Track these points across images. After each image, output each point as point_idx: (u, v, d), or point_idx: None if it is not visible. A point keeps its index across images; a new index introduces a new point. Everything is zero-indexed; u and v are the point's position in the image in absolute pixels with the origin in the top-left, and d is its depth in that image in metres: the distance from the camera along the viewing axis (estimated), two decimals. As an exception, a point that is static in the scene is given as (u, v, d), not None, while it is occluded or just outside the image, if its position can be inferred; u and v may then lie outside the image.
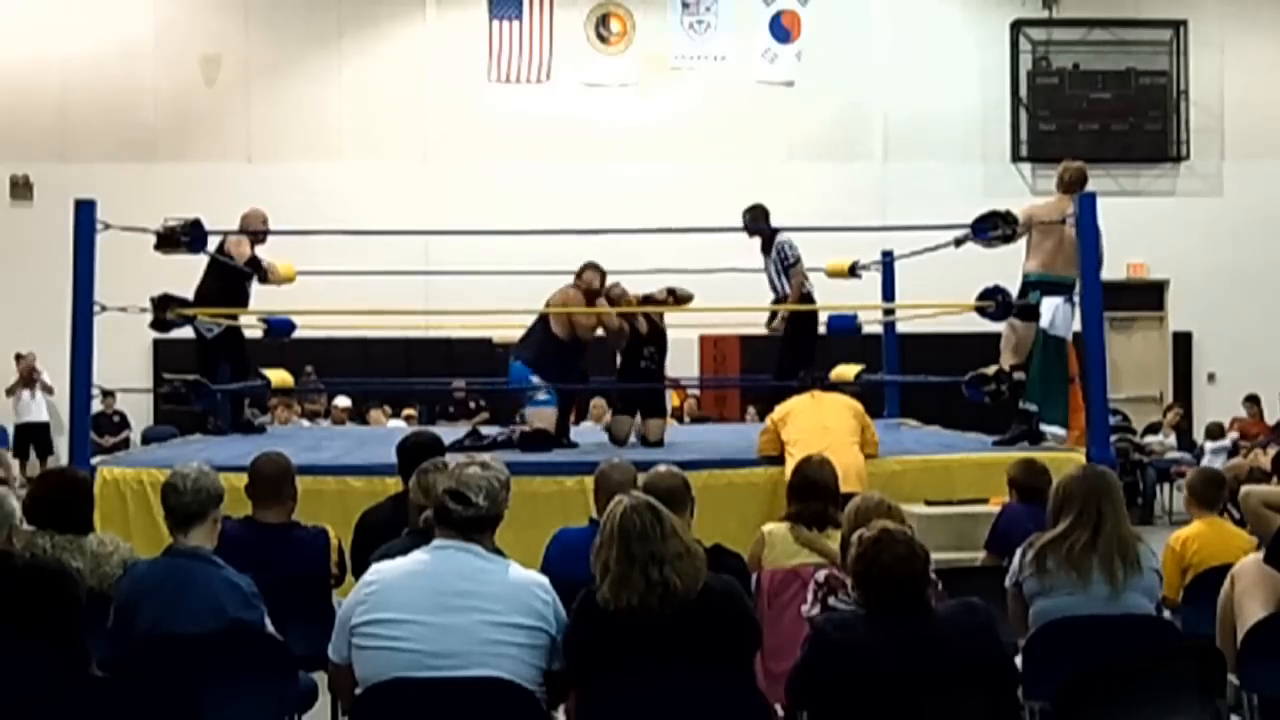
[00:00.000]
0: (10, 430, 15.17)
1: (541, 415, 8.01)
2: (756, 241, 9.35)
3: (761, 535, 5.16)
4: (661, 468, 4.66)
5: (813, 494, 5.13)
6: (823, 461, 5.33)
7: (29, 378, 14.93)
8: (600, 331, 8.41)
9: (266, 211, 9.34)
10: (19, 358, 14.91)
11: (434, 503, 3.56)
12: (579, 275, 8.24)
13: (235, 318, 9.23)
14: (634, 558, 3.43)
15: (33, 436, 14.93)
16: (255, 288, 9.48)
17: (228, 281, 9.02)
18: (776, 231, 9.19)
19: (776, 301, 9.23)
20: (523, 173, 16.06)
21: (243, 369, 9.29)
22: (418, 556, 3.49)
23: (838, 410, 7.15)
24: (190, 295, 8.69)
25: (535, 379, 8.03)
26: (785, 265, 9.08)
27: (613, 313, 8.30)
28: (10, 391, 15.02)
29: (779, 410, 7.36)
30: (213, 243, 8.53)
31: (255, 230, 9.11)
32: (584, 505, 5.88)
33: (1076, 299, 7.80)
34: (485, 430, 9.00)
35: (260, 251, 9.35)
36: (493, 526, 3.57)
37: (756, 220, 9.31)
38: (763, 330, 9.94)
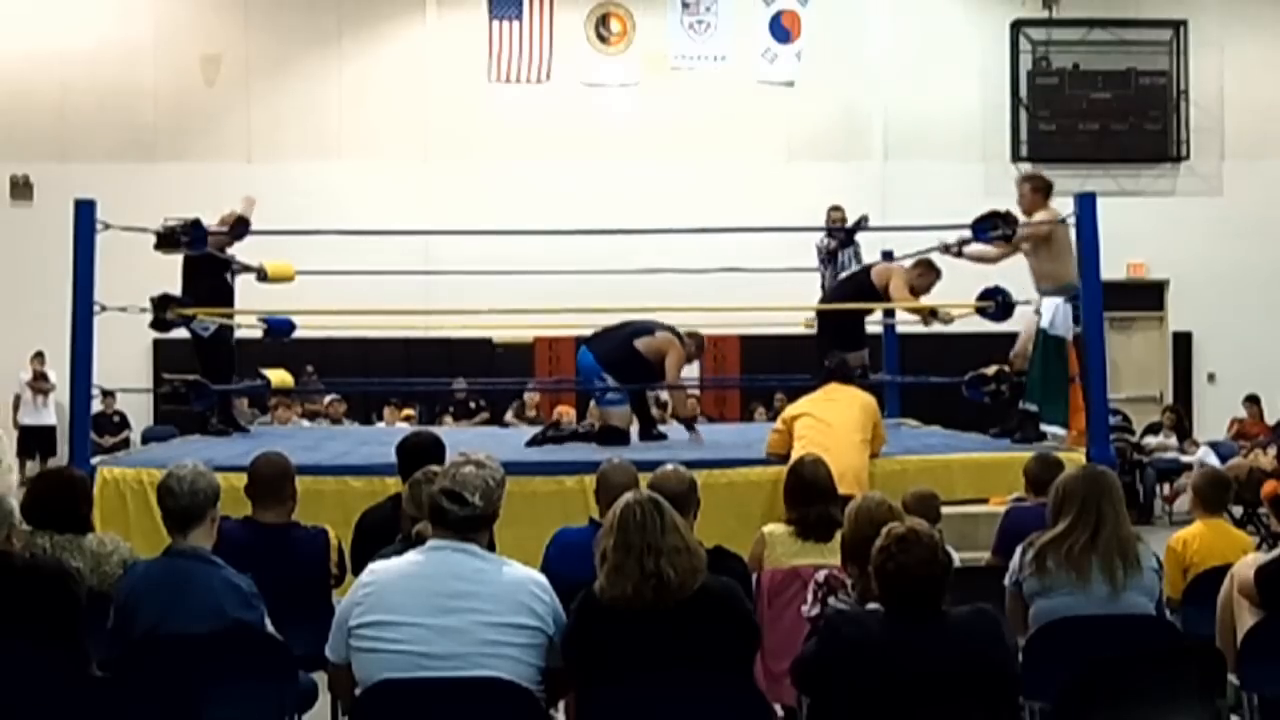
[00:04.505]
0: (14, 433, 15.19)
1: (618, 414, 8.24)
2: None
3: (762, 535, 5.15)
4: (669, 467, 4.65)
5: (813, 497, 5.10)
6: (815, 461, 5.31)
7: (38, 381, 14.97)
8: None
9: (255, 212, 9.32)
10: (38, 356, 14.94)
11: (429, 503, 3.55)
12: (685, 338, 8.45)
13: (232, 317, 9.20)
14: (631, 547, 3.45)
15: (38, 439, 14.94)
16: (259, 287, 9.47)
17: (211, 277, 8.96)
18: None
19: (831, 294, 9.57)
20: (523, 173, 16.05)
21: (228, 371, 9.21)
22: (413, 557, 3.49)
23: (848, 407, 7.03)
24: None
25: (608, 379, 8.19)
26: (858, 264, 9.61)
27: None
28: (19, 399, 15.08)
29: (791, 409, 7.31)
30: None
31: (238, 228, 9.08)
32: (584, 505, 5.88)
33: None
34: (565, 424, 9.06)
35: (259, 251, 9.34)
36: (488, 525, 3.57)
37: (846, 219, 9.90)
38: (762, 331, 9.97)
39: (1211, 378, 17.05)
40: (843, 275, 9.56)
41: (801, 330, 9.72)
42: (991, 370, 8.11)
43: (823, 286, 9.85)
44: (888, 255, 10.67)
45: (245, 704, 3.82)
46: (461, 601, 3.37)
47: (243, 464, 5.30)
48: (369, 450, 7.87)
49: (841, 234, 9.59)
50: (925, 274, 8.86)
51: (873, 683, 3.34)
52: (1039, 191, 8.22)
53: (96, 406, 10.82)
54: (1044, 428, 7.98)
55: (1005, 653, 3.51)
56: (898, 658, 3.35)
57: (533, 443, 8.13)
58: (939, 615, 3.41)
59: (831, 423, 6.88)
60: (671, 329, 8.40)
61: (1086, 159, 16.62)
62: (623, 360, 8.25)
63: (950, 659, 3.35)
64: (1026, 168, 16.80)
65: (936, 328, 9.44)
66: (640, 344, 8.25)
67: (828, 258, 9.81)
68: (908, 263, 8.94)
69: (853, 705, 3.38)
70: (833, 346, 8.91)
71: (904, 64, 16.69)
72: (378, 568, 3.51)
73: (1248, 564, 4.38)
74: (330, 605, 4.39)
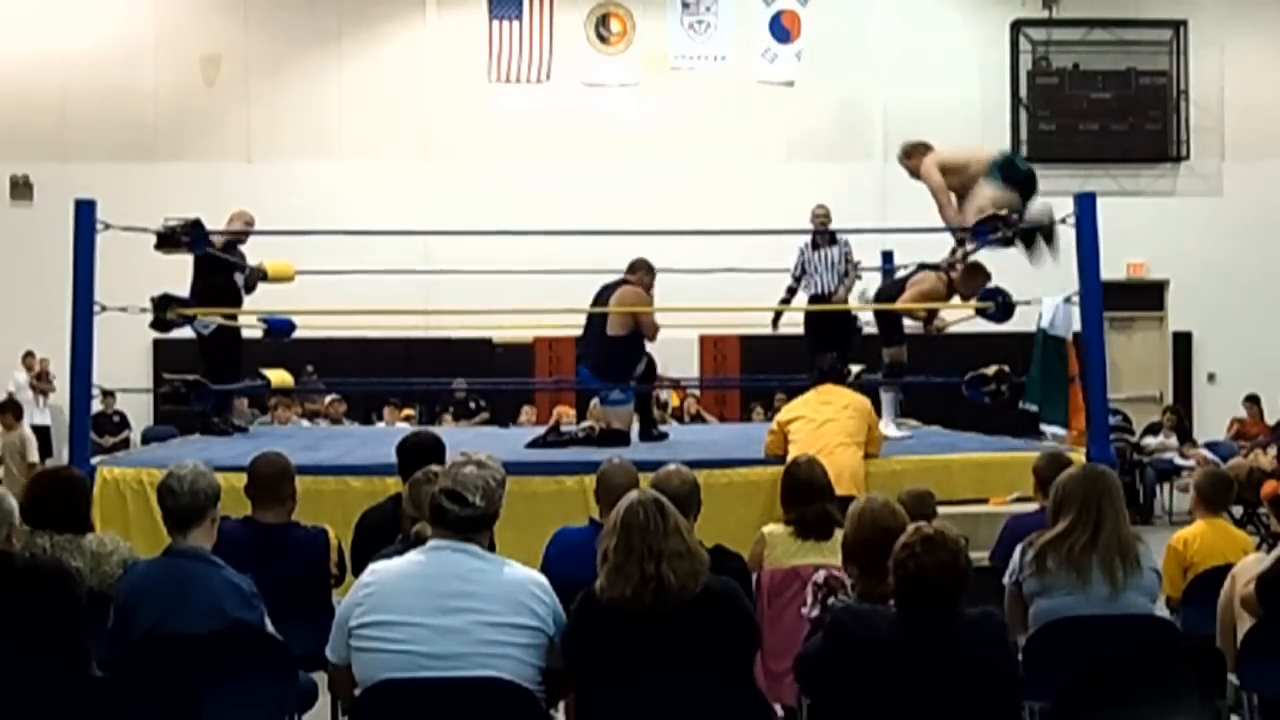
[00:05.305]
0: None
1: (619, 415, 8.12)
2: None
3: (762, 536, 5.15)
4: (671, 467, 4.65)
5: (810, 496, 5.10)
6: (810, 460, 5.31)
7: (41, 381, 14.95)
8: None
9: (256, 212, 9.34)
10: (29, 355, 14.92)
11: (430, 502, 3.56)
12: (632, 272, 8.24)
13: (234, 317, 9.19)
14: (632, 549, 3.45)
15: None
16: (260, 287, 9.46)
17: (218, 278, 8.96)
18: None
19: (817, 293, 9.39)
20: (523, 173, 16.06)
21: (233, 371, 9.20)
22: (414, 557, 3.49)
23: (842, 409, 7.03)
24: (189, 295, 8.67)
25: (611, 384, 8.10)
26: (849, 265, 9.35)
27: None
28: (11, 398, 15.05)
29: (784, 412, 7.31)
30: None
31: (239, 230, 9.09)
32: (584, 505, 5.88)
33: (1076, 299, 7.78)
34: (565, 427, 9.00)
35: (258, 250, 9.35)
36: (489, 525, 3.57)
37: (829, 218, 9.61)
38: (762, 331, 9.92)
39: (1211, 378, 17.05)
40: (899, 275, 9.53)
41: (802, 330, 9.72)
42: (991, 370, 8.10)
43: (795, 291, 9.77)
44: (888, 256, 10.69)
45: (245, 704, 3.82)
46: (462, 602, 3.36)
47: (243, 464, 5.29)
48: (369, 450, 7.87)
49: (826, 238, 9.51)
50: (973, 279, 8.63)
51: (876, 681, 3.34)
52: (912, 156, 8.40)
53: (96, 406, 10.81)
54: (1044, 428, 7.99)
55: (1010, 657, 3.51)
56: (902, 657, 3.34)
57: (533, 445, 8.12)
58: (949, 618, 3.41)
59: (825, 424, 6.87)
60: (613, 286, 8.20)
61: (1086, 159, 16.62)
62: (611, 356, 8.10)
63: (955, 661, 3.34)
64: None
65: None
66: (611, 328, 8.06)
67: (799, 276, 9.71)
68: (959, 266, 8.77)
69: (855, 703, 3.38)
70: (882, 343, 9.00)
71: (904, 64, 16.69)
72: (378, 568, 3.51)
73: (1248, 569, 4.38)
74: (330, 605, 4.40)
